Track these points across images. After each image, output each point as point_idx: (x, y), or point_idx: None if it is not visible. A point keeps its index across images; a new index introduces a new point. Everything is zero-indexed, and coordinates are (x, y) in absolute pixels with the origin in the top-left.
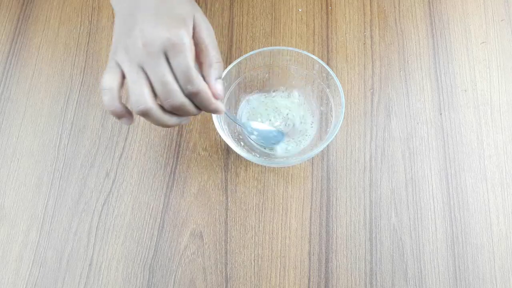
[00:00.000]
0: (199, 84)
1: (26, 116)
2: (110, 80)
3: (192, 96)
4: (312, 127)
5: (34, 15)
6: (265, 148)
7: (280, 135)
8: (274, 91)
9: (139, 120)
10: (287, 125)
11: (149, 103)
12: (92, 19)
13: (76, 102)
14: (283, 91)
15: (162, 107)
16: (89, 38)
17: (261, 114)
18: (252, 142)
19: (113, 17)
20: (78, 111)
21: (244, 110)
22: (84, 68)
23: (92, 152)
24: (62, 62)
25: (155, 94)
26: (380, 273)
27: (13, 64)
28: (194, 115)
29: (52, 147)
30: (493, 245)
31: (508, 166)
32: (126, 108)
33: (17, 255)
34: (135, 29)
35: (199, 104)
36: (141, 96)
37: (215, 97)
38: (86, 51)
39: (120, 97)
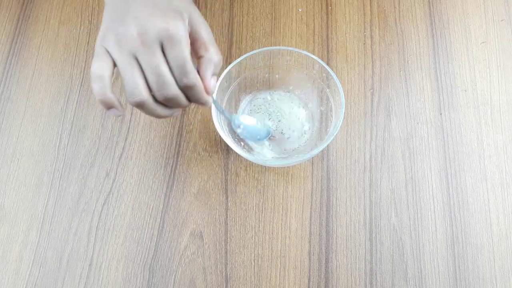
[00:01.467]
0: (194, 77)
1: (26, 116)
2: (100, 68)
3: (186, 89)
4: (308, 130)
5: (34, 15)
6: (253, 143)
7: (264, 133)
8: (274, 91)
9: (139, 120)
10: (276, 130)
11: (145, 94)
12: (92, 19)
13: (76, 102)
14: (283, 91)
15: (154, 98)
16: (89, 38)
17: (260, 115)
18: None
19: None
20: (78, 111)
21: (245, 110)
22: (84, 68)
23: (92, 152)
24: (62, 62)
25: (147, 85)
26: (380, 273)
27: (13, 64)
28: (184, 107)
29: (52, 147)
30: (493, 245)
31: (508, 166)
32: (117, 98)
33: (17, 255)
34: (129, 17)
35: (191, 97)
36: (136, 87)
37: (207, 92)
38: (86, 51)
39: (111, 86)
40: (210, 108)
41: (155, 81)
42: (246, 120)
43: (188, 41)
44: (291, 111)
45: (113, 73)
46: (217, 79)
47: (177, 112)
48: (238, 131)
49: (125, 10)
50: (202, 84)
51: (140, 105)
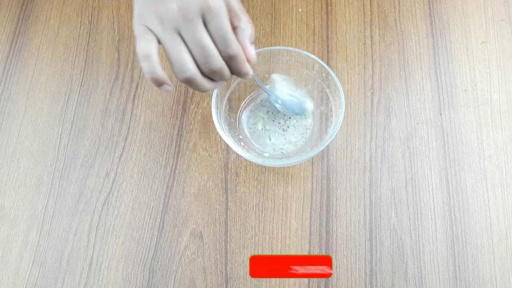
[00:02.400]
0: (237, 47)
1: (26, 116)
2: (146, 46)
3: (229, 60)
4: (308, 130)
5: (34, 15)
6: (292, 115)
7: (301, 107)
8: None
9: (139, 120)
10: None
11: (193, 70)
12: (92, 19)
13: (76, 102)
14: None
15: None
16: (89, 38)
17: (262, 117)
18: (248, 137)
19: (113, 16)
20: (78, 111)
21: (245, 110)
22: (84, 68)
23: (92, 152)
24: (62, 62)
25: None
26: (380, 273)
27: (13, 64)
28: (227, 80)
29: (52, 147)
30: (493, 245)
31: (508, 166)
32: (166, 75)
33: (17, 255)
34: None
35: (234, 67)
36: (184, 63)
37: (249, 61)
38: (86, 51)
39: (160, 64)
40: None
41: (201, 54)
42: (283, 95)
43: (227, 13)
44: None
45: (158, 50)
46: (255, 48)
47: (220, 85)
48: (277, 105)
49: None
50: (243, 55)
51: (190, 81)
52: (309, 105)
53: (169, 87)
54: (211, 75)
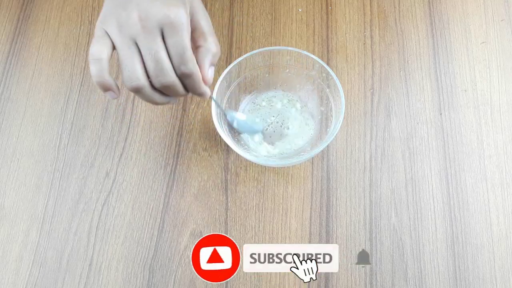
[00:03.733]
0: (193, 66)
1: (26, 116)
2: (99, 50)
3: (184, 77)
4: (308, 130)
5: (34, 15)
6: (248, 135)
7: (256, 127)
8: (273, 91)
9: (139, 120)
10: (271, 127)
11: (142, 80)
12: (92, 19)
13: (76, 102)
14: (283, 91)
15: (152, 85)
16: (89, 38)
17: (262, 117)
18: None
19: None
20: (78, 111)
21: (245, 110)
22: (84, 68)
23: (92, 152)
24: (62, 62)
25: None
26: (380, 273)
27: (13, 64)
28: (181, 96)
29: (52, 147)
30: (493, 245)
31: (508, 166)
32: (114, 81)
33: (17, 255)
34: (131, 1)
35: (189, 86)
36: (134, 72)
37: (205, 82)
38: (86, 51)
39: (108, 69)
40: (209, 100)
41: (153, 67)
42: (239, 116)
43: (189, 29)
44: (291, 111)
45: (111, 56)
46: (214, 70)
47: (174, 100)
48: (234, 125)
49: None
50: (200, 74)
51: (137, 90)
52: (260, 127)
53: (115, 94)
54: (164, 90)
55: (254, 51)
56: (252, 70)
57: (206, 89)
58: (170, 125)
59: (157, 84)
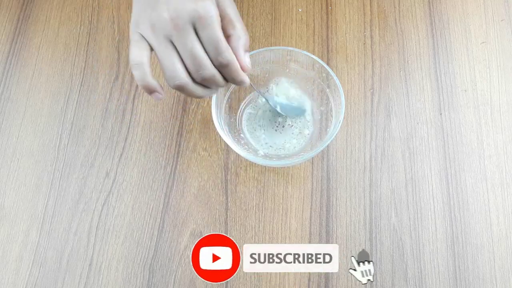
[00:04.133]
0: (230, 55)
1: (26, 116)
2: (138, 54)
3: (222, 68)
4: (308, 130)
5: (34, 15)
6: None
7: (300, 110)
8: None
9: (139, 120)
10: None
11: (184, 77)
12: (92, 19)
13: (76, 102)
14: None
15: (193, 79)
16: (89, 38)
17: (261, 117)
18: (251, 140)
19: (113, 16)
20: (78, 111)
21: (245, 110)
22: (84, 68)
23: (92, 152)
24: (62, 62)
25: (185, 67)
26: (380, 273)
27: (13, 64)
28: (222, 86)
29: (52, 147)
30: (493, 245)
31: (508, 166)
32: (158, 82)
33: (17, 255)
34: (160, 2)
35: (228, 75)
36: (175, 71)
37: (243, 69)
38: (86, 51)
39: (151, 72)
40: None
41: (192, 63)
42: (282, 99)
43: (219, 20)
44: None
45: (150, 57)
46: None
47: (215, 91)
48: (277, 109)
49: None
50: (237, 62)
51: (181, 88)
52: (308, 106)
53: (160, 95)
54: (204, 83)
55: (254, 51)
56: (252, 70)
57: (244, 77)
58: (170, 125)
59: (198, 79)
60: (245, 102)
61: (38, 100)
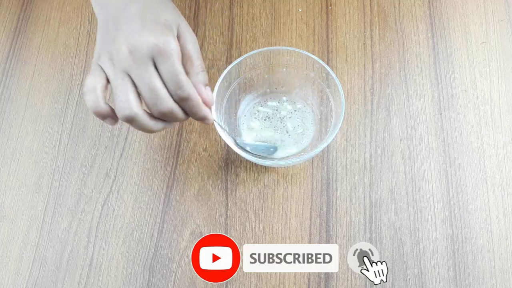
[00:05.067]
0: (190, 88)
1: (26, 116)
2: (93, 81)
3: (182, 102)
4: (308, 130)
5: (34, 15)
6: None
7: (271, 149)
8: (273, 91)
9: None
10: (280, 132)
11: (134, 108)
12: (92, 19)
13: (76, 102)
14: (283, 91)
15: (148, 113)
16: (89, 38)
17: (261, 117)
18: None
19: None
20: (78, 111)
21: (245, 110)
22: (84, 68)
23: (92, 152)
24: (62, 62)
25: (141, 101)
26: None
27: (13, 64)
28: (182, 121)
29: (52, 147)
30: (493, 245)
31: (508, 166)
32: (111, 108)
33: (17, 255)
34: (120, 35)
35: (189, 110)
36: (126, 101)
37: (206, 103)
38: (86, 51)
39: (104, 97)
40: (212, 125)
41: (149, 96)
42: (250, 140)
43: (179, 54)
44: (291, 110)
45: (106, 87)
46: (212, 92)
47: (170, 125)
48: (248, 148)
49: (116, 29)
50: (198, 96)
51: (130, 120)
52: (277, 152)
53: (113, 120)
54: (163, 117)
55: (254, 51)
56: (252, 70)
57: (207, 112)
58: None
59: (155, 113)
60: (245, 102)
61: (38, 100)
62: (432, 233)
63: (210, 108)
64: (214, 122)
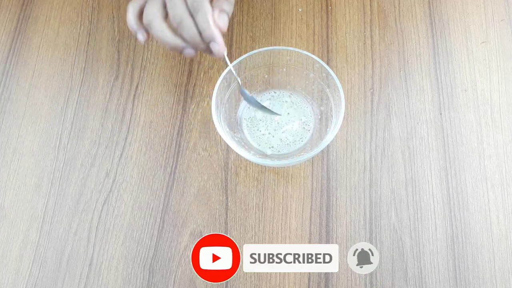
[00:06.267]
0: (204, 1)
1: (26, 116)
2: (135, 2)
3: (195, 13)
4: (308, 130)
5: (34, 15)
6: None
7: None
8: (274, 92)
9: (139, 120)
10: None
11: (155, 15)
12: (92, 19)
13: (76, 102)
14: (283, 92)
15: (169, 27)
16: (89, 38)
17: (261, 117)
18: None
19: (113, 16)
20: (78, 111)
21: (245, 110)
22: (84, 68)
23: (92, 152)
24: (62, 62)
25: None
26: (380, 273)
27: (13, 64)
28: (193, 40)
29: (52, 147)
30: (493, 245)
31: (508, 166)
32: (141, 24)
33: (17, 255)
34: None
35: (199, 23)
36: (151, 10)
37: (218, 27)
38: (86, 51)
39: (138, 15)
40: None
41: (169, 3)
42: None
43: None
44: (291, 111)
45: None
46: (228, 19)
47: (188, 50)
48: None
49: None
50: (211, 14)
51: (149, 24)
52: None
53: (142, 35)
54: (176, 25)
55: (254, 51)
56: (252, 70)
57: (216, 32)
58: (170, 125)
59: (170, 16)
60: (245, 102)
61: (38, 100)
62: (432, 233)
63: (221, 33)
64: (225, 57)
